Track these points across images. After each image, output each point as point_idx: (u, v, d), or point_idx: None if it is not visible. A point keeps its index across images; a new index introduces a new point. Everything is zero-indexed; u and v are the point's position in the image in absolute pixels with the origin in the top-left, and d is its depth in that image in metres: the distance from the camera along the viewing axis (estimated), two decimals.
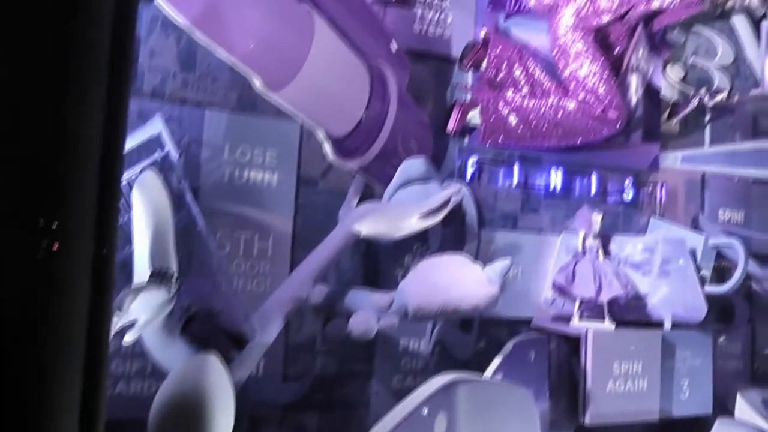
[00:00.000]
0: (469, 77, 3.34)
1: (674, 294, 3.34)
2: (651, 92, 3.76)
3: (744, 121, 4.12)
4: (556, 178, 3.43)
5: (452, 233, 3.19)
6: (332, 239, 2.71)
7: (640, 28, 3.48)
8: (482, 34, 3.31)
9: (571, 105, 3.22)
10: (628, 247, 3.44)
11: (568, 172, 3.49)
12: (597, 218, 3.29)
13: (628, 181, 3.62)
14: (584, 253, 3.28)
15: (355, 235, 2.73)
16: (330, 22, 2.59)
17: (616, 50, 3.45)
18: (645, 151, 3.72)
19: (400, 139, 2.96)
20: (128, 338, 2.16)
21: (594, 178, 3.54)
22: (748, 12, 3.87)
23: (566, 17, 3.22)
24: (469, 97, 3.27)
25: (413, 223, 2.74)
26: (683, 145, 3.84)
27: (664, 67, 3.84)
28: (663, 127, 3.80)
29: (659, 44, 3.74)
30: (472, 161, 3.28)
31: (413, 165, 2.89)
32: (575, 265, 3.25)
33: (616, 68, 3.41)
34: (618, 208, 3.66)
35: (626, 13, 3.25)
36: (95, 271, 1.11)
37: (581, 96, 3.24)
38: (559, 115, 3.23)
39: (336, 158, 2.76)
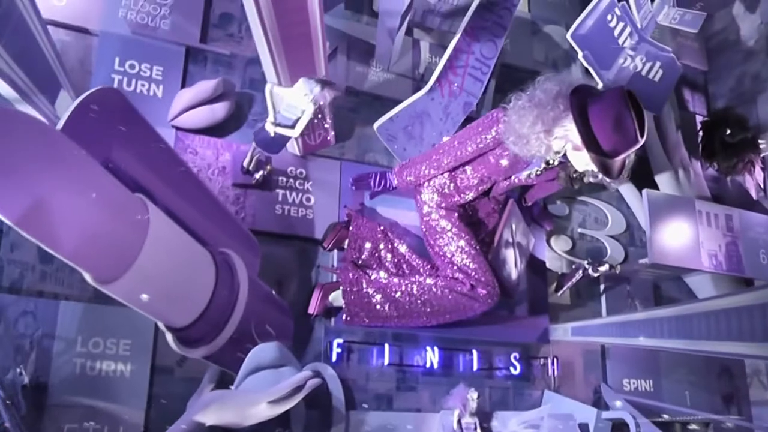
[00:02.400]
0: (335, 258, 3.44)
1: None
2: (536, 265, 3.88)
3: (643, 288, 4.20)
4: (432, 356, 3.42)
5: (318, 416, 3.14)
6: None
7: (511, 203, 3.61)
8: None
9: (440, 283, 3.26)
10: (511, 423, 3.35)
11: (446, 349, 3.49)
12: (473, 395, 3.25)
13: (513, 356, 3.63)
14: (467, 430, 3.23)
15: (200, 426, 2.69)
16: (168, 212, 2.71)
17: (488, 226, 3.59)
18: (532, 324, 3.74)
19: (253, 324, 3.00)
20: None
21: (475, 354, 3.54)
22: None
23: (428, 195, 3.36)
24: (335, 278, 3.36)
25: (262, 411, 2.71)
26: (579, 316, 3.88)
27: (549, 240, 4.01)
28: (552, 299, 3.88)
29: (539, 217, 3.89)
30: (337, 342, 3.29)
31: (264, 350, 2.89)
32: None
33: (488, 244, 3.54)
34: (507, 383, 3.63)
35: (490, 189, 3.41)
36: None
37: (449, 273, 3.31)
38: (427, 294, 3.25)
39: (179, 348, 2.78)
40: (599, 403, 3.79)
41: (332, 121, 3.43)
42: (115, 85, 3.26)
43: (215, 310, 2.83)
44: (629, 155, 2.91)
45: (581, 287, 4.00)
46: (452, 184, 3.31)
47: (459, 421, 3.24)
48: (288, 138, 3.00)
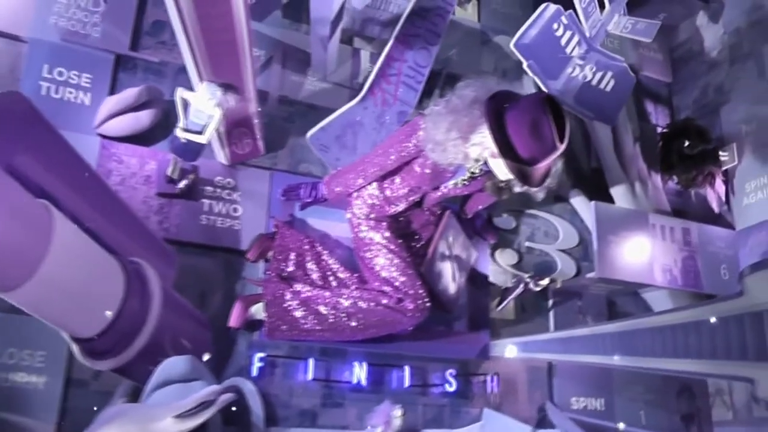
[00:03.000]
0: (261, 270, 3.37)
1: None
2: (477, 279, 3.79)
3: (596, 304, 4.10)
4: (360, 372, 3.34)
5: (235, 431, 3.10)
6: None
7: (447, 215, 3.55)
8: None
9: (366, 296, 3.18)
10: None
11: (377, 364, 3.41)
12: (397, 413, 3.18)
13: (449, 372, 3.54)
14: None
15: None
16: (74, 219, 2.68)
17: (423, 238, 3.52)
18: (472, 339, 3.65)
19: (168, 337, 2.95)
20: None
21: (407, 370, 3.45)
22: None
23: (358, 206, 3.30)
24: (260, 290, 3.31)
25: (168, 426, 2.66)
26: (525, 332, 3.75)
27: (494, 253, 3.93)
28: (495, 315, 3.80)
29: (482, 230, 3.81)
30: (258, 357, 3.21)
31: (173, 364, 2.84)
32: None
33: (422, 256, 3.47)
34: (443, 401, 3.53)
35: (421, 200, 3.35)
36: None
37: (376, 286, 3.22)
38: (353, 308, 3.16)
39: (85, 360, 2.74)
40: (544, 422, 3.69)
41: (261, 130, 3.40)
42: (43, 92, 3.24)
43: (124, 322, 2.77)
44: (552, 163, 2.83)
45: (527, 303, 3.90)
46: (381, 195, 3.25)
47: None
48: (202, 145, 2.96)
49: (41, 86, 3.25)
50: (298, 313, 3.19)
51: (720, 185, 4.29)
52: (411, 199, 3.24)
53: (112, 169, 3.22)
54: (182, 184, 3.23)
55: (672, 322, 3.30)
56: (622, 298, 4.18)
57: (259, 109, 3.22)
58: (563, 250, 4.08)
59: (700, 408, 4.20)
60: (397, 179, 3.20)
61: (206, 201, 3.35)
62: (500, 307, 3.72)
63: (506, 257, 3.90)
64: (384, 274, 3.23)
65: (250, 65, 3.05)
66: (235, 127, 3.31)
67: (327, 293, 3.22)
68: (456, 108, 2.77)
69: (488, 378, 3.62)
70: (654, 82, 4.83)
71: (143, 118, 3.27)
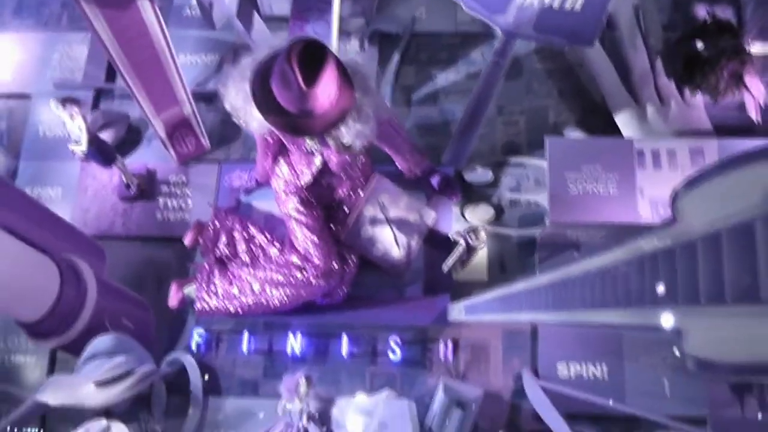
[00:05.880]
0: None
1: None
2: (438, 240, 3.61)
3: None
4: (296, 342, 3.43)
5: (178, 401, 3.44)
6: (19, 410, 3.28)
7: (375, 179, 3.50)
8: None
9: (284, 270, 3.36)
10: (349, 409, 3.20)
11: (321, 335, 3.48)
12: (302, 381, 3.22)
13: (396, 340, 3.40)
14: (293, 416, 3.21)
15: (38, 404, 3.26)
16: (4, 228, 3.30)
17: (349, 205, 3.52)
18: (429, 305, 3.48)
19: (107, 319, 3.45)
20: None
21: (346, 339, 3.42)
22: None
23: (275, 182, 3.45)
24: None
25: (93, 393, 3.18)
26: None
27: (464, 211, 3.67)
28: (462, 277, 3.53)
29: (442, 188, 3.61)
30: (198, 332, 3.51)
31: (100, 341, 3.31)
32: (278, 428, 3.21)
33: (348, 224, 3.48)
34: (393, 370, 3.42)
35: (328, 169, 3.35)
36: None
37: (293, 259, 3.37)
38: (273, 283, 3.36)
39: (32, 341, 3.37)
40: (521, 392, 3.33)
41: (201, 127, 3.76)
42: (41, 134, 4.06)
43: (63, 307, 3.35)
44: (341, 107, 2.70)
45: (509, 259, 3.57)
46: (288, 167, 3.38)
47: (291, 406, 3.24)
48: (105, 151, 3.47)
49: (39, 130, 4.08)
50: (225, 291, 3.46)
51: (758, 86, 3.41)
52: (312, 167, 3.29)
53: (89, 184, 3.88)
54: (133, 188, 3.76)
55: (600, 267, 2.83)
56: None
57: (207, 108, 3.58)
58: None
59: None
60: (293, 148, 3.30)
61: (162, 199, 3.83)
62: (445, 268, 3.47)
63: (479, 214, 3.62)
64: (298, 245, 3.37)
65: (176, 71, 3.48)
66: (174, 130, 3.74)
67: (252, 270, 3.45)
68: (239, 72, 2.83)
69: (441, 345, 3.42)
70: None
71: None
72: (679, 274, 2.57)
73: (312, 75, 2.55)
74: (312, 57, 2.56)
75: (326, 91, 2.60)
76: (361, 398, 3.25)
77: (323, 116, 2.68)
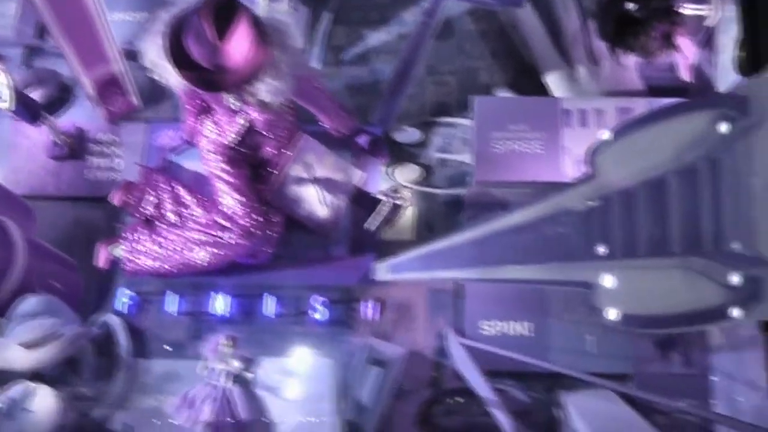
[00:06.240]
0: None
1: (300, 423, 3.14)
2: (363, 200, 3.59)
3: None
4: (222, 303, 3.43)
5: (106, 363, 3.43)
6: None
7: (302, 138, 3.47)
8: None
9: (208, 230, 3.35)
10: (270, 370, 3.26)
11: (246, 295, 3.48)
12: (224, 342, 3.24)
13: (322, 300, 3.41)
14: (215, 377, 3.24)
15: None
16: None
17: (276, 164, 3.48)
18: (353, 264, 3.49)
19: (35, 280, 3.43)
20: None
21: (269, 299, 3.43)
22: None
23: (203, 140, 3.40)
24: None
25: (21, 354, 3.17)
26: None
27: (393, 171, 3.66)
28: (389, 236, 3.53)
29: (370, 148, 3.60)
30: (126, 293, 3.50)
31: (29, 302, 3.28)
32: (199, 390, 3.25)
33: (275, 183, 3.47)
34: (318, 330, 3.44)
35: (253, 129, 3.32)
36: None
37: (217, 218, 3.35)
38: (197, 242, 3.36)
39: None
40: (445, 350, 3.36)
41: (132, 86, 3.73)
42: None
43: None
44: (243, 67, 2.67)
45: (436, 219, 3.58)
46: (213, 126, 3.35)
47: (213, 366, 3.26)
48: (32, 108, 3.43)
49: None
50: (152, 252, 3.44)
51: (689, 46, 3.41)
52: (235, 126, 3.27)
53: (20, 142, 3.83)
54: (63, 146, 3.72)
55: (520, 223, 2.84)
56: None
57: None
58: None
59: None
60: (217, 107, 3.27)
61: (92, 158, 3.79)
62: (371, 227, 3.47)
63: (406, 173, 3.62)
64: (223, 205, 3.36)
65: (106, 28, 3.44)
66: (104, 88, 3.70)
67: (179, 231, 3.43)
68: (160, 28, 2.78)
69: (366, 304, 3.43)
70: None
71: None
72: (596, 228, 2.61)
73: (224, 30, 2.55)
74: (225, 12, 2.56)
75: (239, 47, 2.59)
76: (284, 359, 3.27)
77: (236, 72, 2.66)
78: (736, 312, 2.22)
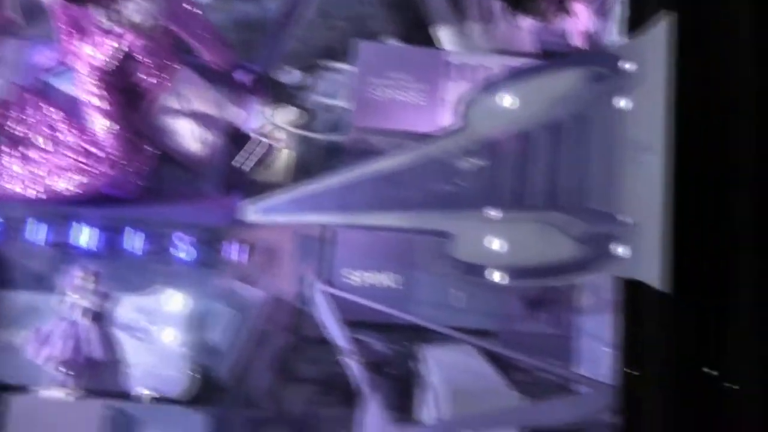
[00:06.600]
0: None
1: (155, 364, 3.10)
2: (239, 138, 3.50)
3: None
4: (85, 235, 3.31)
5: None
6: None
7: (181, 71, 3.32)
8: None
9: (74, 156, 3.20)
10: (127, 306, 3.21)
11: (112, 229, 3.36)
12: (83, 276, 3.16)
13: (179, 239, 3.33)
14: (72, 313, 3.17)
15: None
16: None
17: (153, 96, 3.35)
18: (222, 204, 3.36)
19: None
20: None
21: (137, 236, 3.33)
22: None
23: (77, 63, 3.25)
24: None
25: None
26: None
27: (270, 111, 3.57)
28: (261, 177, 3.47)
29: (253, 86, 3.50)
30: None
31: None
32: (54, 325, 3.16)
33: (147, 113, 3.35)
34: (183, 269, 3.35)
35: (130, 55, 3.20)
36: None
37: (85, 146, 3.21)
38: (61, 170, 3.21)
39: None
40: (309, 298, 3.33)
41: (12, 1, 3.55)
42: None
43: None
44: None
45: (315, 164, 3.51)
46: (88, 48, 3.19)
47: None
48: None
49: None
50: (17, 174, 3.29)
51: (584, 13, 3.40)
52: (106, 49, 3.13)
53: None
54: None
55: (391, 169, 2.81)
56: None
57: None
58: None
59: (560, 290, 3.37)
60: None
61: None
62: (242, 165, 3.40)
63: (286, 115, 3.54)
64: (93, 131, 3.23)
65: None
66: None
67: (45, 155, 3.28)
68: None
69: (232, 246, 3.36)
70: None
71: None
72: (461, 178, 2.61)
73: None
74: None
75: None
76: (145, 298, 3.19)
77: None
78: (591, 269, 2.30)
